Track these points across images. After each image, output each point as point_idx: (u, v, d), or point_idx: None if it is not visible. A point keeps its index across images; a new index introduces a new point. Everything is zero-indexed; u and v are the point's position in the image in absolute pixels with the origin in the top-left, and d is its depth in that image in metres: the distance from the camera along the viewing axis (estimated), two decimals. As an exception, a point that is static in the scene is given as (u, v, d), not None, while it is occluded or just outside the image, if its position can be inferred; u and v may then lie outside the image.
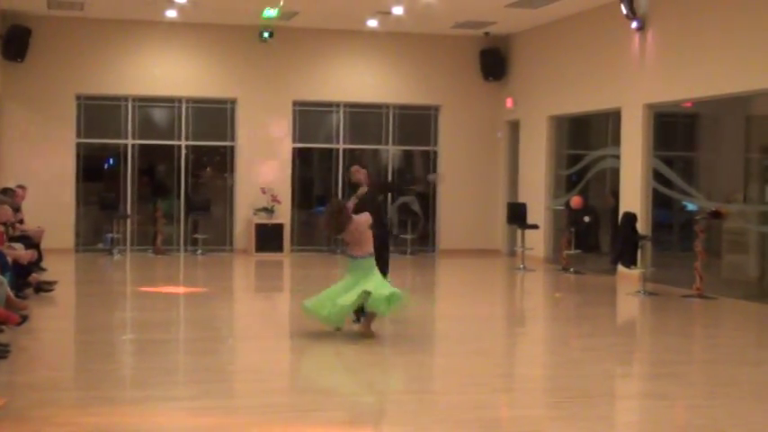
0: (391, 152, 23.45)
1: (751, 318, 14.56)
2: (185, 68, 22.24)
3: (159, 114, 22.76)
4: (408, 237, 22.70)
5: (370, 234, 11.10)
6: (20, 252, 13.26)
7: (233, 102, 22.42)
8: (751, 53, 15.19)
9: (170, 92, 22.15)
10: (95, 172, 22.65)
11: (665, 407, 8.46)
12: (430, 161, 23.59)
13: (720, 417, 8.03)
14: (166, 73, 22.06)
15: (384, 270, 11.66)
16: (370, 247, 11.10)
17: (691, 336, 12.91)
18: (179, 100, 22.28)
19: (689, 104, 18.39)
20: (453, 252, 22.97)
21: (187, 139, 22.37)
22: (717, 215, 16.05)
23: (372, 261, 11.15)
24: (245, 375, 9.63)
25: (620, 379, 9.96)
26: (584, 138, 22.24)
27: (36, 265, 15.14)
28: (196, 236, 22.34)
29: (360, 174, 12.54)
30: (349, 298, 10.96)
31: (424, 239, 23.52)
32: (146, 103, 22.30)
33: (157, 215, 21.95)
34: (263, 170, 22.24)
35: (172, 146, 22.37)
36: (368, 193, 12.28)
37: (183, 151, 22.35)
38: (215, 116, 22.53)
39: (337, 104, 23.02)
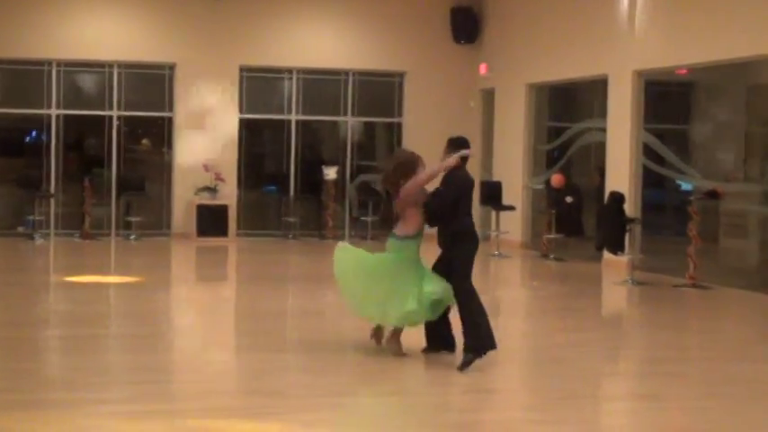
0: (351, 124, 23.43)
1: (751, 309, 14.72)
2: (117, 28, 22.07)
3: (88, 81, 22.59)
4: (369, 219, 22.71)
5: (417, 212, 9.88)
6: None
7: (171, 67, 22.30)
8: (754, 14, 15.27)
9: (100, 55, 21.98)
10: (14, 146, 22.49)
11: (656, 409, 8.54)
12: (394, 134, 23.60)
13: (718, 419, 8.12)
14: (96, 33, 21.88)
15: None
16: (412, 228, 9.92)
17: (684, 330, 13.03)
18: (110, 64, 22.12)
19: (684, 72, 18.50)
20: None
21: (119, 108, 22.23)
22: (713, 195, 16.18)
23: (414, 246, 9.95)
24: (186, 375, 9.61)
25: (606, 378, 10.04)
26: (567, 109, 22.33)
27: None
28: (129, 218, 22.24)
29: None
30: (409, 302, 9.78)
31: (387, 222, 23.46)
32: (72, 67, 22.13)
33: (85, 195, 21.81)
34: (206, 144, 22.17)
35: (102, 116, 22.22)
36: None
37: (115, 123, 22.22)
38: (151, 83, 22.41)
39: (290, 70, 22.95)
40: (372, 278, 9.99)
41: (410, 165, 9.90)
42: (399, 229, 9.95)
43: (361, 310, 10.19)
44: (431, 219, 9.85)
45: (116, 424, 7.63)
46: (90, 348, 10.57)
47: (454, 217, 9.79)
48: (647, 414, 8.37)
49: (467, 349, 9.52)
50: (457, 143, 10.05)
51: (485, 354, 9.52)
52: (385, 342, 10.14)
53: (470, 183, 9.97)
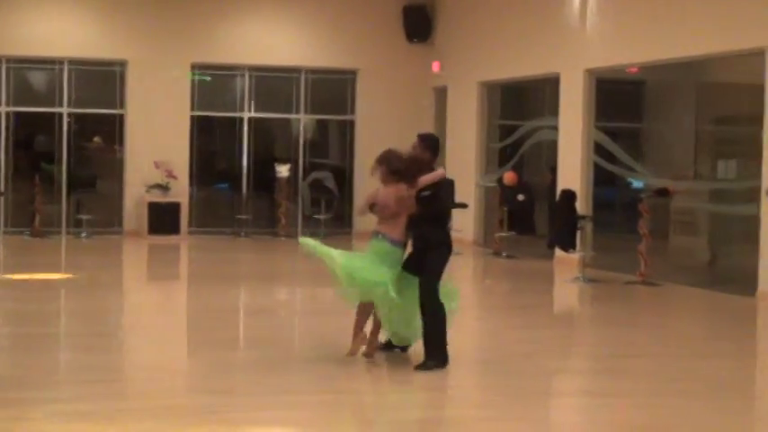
0: (303, 122, 23.38)
1: (700, 306, 14.83)
2: (68, 25, 21.90)
3: (38, 78, 22.41)
4: (322, 217, 22.67)
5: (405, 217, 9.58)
6: None
7: (122, 64, 22.16)
8: (704, 13, 15.38)
9: (50, 52, 21.80)
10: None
11: (608, 405, 8.57)
12: (347, 132, 23.58)
13: (668, 416, 8.16)
14: (46, 30, 21.69)
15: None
16: (402, 234, 9.57)
17: (635, 326, 13.08)
18: (60, 61, 21.95)
19: (634, 70, 18.60)
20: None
21: (70, 106, 22.07)
22: (663, 193, 16.28)
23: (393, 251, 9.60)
24: (137, 374, 9.55)
25: (558, 375, 10.06)
26: (519, 107, 22.38)
27: None
28: (80, 216, 22.08)
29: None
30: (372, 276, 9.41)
31: (340, 220, 23.50)
32: (22, 64, 21.94)
33: (36, 192, 21.63)
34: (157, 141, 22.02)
35: (52, 114, 22.05)
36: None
37: (66, 120, 22.06)
38: (102, 80, 22.26)
39: (242, 68, 22.87)
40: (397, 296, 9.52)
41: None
42: (393, 232, 9.56)
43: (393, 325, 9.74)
44: (431, 222, 9.58)
45: (66, 423, 7.56)
46: (40, 347, 10.48)
47: (447, 221, 9.87)
48: (598, 410, 8.40)
49: (431, 356, 9.41)
50: (428, 140, 10.05)
51: (444, 367, 9.40)
52: (367, 346, 9.76)
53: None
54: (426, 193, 9.55)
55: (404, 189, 9.50)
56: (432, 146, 10.02)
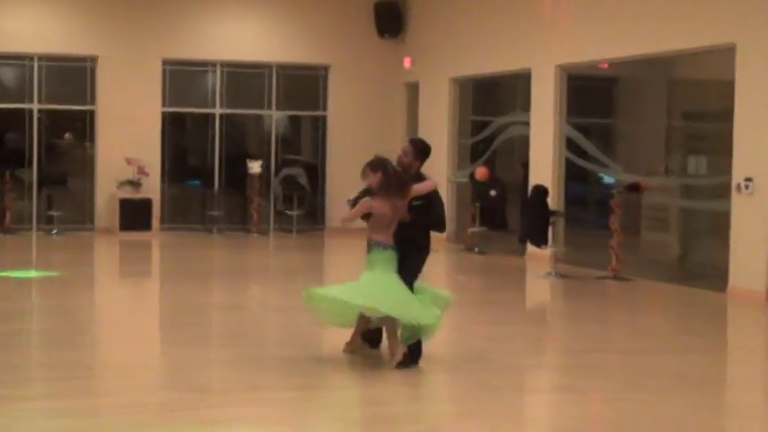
0: (275, 118, 23.35)
1: (671, 301, 14.90)
2: (38, 20, 21.80)
3: (7, 73, 22.29)
4: (294, 213, 22.66)
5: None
6: None
7: (93, 60, 22.07)
8: (674, 9, 15.44)
9: (20, 47, 21.69)
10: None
11: (578, 401, 8.60)
12: (319, 128, 23.57)
13: (639, 411, 8.20)
14: (15, 25, 21.58)
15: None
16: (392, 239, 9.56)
17: (606, 322, 13.14)
18: (30, 57, 21.84)
19: (606, 66, 18.66)
20: (344, 231, 22.92)
21: (40, 102, 21.97)
22: (635, 189, 16.34)
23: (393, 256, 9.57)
24: (108, 371, 9.52)
25: (528, 370, 10.09)
26: (491, 102, 22.41)
27: None
28: (51, 212, 22.00)
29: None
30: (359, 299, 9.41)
31: (312, 216, 23.50)
32: (-9, 60, 21.89)
33: (6, 189, 21.53)
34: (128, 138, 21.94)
35: (22, 110, 21.95)
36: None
37: (36, 116, 21.96)
38: (72, 76, 22.15)
39: (213, 63, 22.82)
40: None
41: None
42: (389, 239, 9.51)
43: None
44: (419, 227, 9.67)
45: (37, 420, 7.54)
46: (9, 344, 10.42)
47: (434, 228, 9.94)
48: (570, 406, 8.42)
49: (411, 354, 9.45)
50: (420, 146, 10.05)
51: (417, 363, 9.47)
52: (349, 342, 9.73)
53: None
54: (418, 202, 9.64)
55: (398, 197, 9.55)
56: (423, 152, 10.06)
